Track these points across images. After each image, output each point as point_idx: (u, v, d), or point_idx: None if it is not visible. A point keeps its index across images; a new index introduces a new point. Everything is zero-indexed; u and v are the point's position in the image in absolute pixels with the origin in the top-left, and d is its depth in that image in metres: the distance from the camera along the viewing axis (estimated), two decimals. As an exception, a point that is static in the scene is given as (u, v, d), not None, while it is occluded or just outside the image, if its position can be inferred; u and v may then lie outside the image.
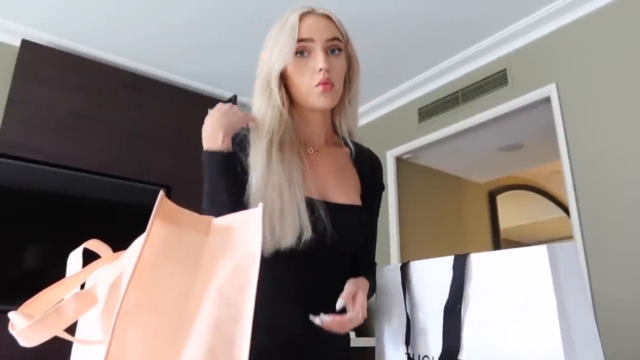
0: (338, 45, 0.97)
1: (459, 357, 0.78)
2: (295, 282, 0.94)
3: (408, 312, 0.90)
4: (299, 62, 0.96)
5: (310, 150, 1.03)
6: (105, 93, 3.00)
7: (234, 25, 2.77)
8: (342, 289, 0.92)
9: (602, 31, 2.42)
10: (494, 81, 2.90)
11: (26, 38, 2.79)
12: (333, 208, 0.95)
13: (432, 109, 3.26)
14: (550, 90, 2.59)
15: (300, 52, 0.96)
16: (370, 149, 1.16)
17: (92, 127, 2.89)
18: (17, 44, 2.78)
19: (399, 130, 3.47)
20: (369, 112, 3.64)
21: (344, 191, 1.02)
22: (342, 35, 1.00)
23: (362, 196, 1.06)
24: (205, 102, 3.44)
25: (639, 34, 2.28)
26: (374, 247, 1.12)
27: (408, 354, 0.88)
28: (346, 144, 1.09)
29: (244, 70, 3.25)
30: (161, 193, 0.52)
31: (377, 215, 1.13)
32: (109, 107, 2.99)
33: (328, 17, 0.99)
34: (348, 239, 0.98)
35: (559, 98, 2.55)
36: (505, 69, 2.85)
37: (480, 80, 2.97)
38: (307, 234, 0.88)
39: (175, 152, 3.19)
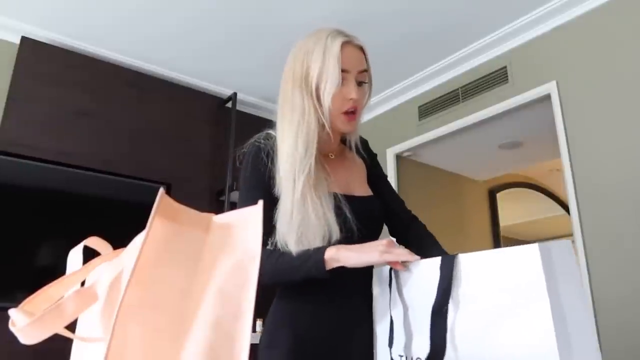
0: (366, 78, 1.09)
1: (445, 359, 0.78)
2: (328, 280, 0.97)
3: (392, 313, 0.90)
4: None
5: (331, 156, 1.16)
6: (106, 91, 2.99)
7: (234, 25, 2.76)
8: (368, 277, 1.01)
9: (603, 29, 2.42)
10: (494, 79, 2.90)
11: (26, 35, 2.78)
12: (356, 201, 1.07)
13: (432, 107, 3.26)
14: (550, 88, 2.59)
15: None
16: (369, 145, 1.31)
17: (92, 125, 2.89)
18: (17, 41, 2.78)
19: (399, 128, 3.47)
20: (369, 110, 3.63)
21: (361, 186, 1.16)
22: (367, 65, 1.10)
23: (370, 177, 1.22)
24: (206, 100, 3.44)
25: (638, 32, 2.28)
26: (402, 201, 1.26)
27: (399, 356, 0.88)
28: (352, 150, 1.23)
29: (244, 69, 3.24)
30: (161, 190, 0.52)
31: (386, 177, 1.30)
32: (109, 105, 2.99)
33: (361, 49, 1.09)
34: (372, 227, 1.09)
35: (559, 96, 2.54)
36: (505, 67, 2.85)
37: (481, 78, 2.97)
38: (335, 235, 0.97)
39: (176, 150, 3.20)
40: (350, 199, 1.06)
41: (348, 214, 1.02)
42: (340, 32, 1.08)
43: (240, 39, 2.91)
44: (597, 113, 2.38)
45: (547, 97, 2.62)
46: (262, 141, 1.08)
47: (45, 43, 2.84)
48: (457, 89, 3.10)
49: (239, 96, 3.50)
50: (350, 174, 1.16)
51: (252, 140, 1.10)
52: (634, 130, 2.23)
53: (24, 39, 2.76)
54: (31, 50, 2.77)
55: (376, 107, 3.62)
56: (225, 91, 3.50)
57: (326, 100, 1.03)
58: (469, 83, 3.03)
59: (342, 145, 1.22)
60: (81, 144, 2.82)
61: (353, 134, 1.19)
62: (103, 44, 2.98)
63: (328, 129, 1.06)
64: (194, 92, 3.40)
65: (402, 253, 0.92)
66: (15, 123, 2.64)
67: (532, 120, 3.04)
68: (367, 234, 1.03)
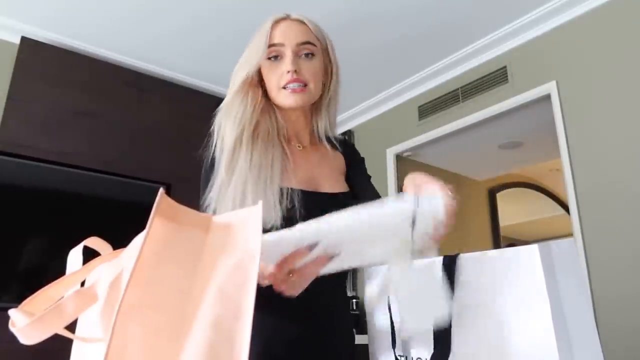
0: (311, 50, 1.01)
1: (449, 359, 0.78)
2: None
3: (392, 314, 0.90)
4: (270, 66, 1.01)
5: (299, 147, 1.07)
6: (106, 91, 2.99)
7: (234, 24, 2.76)
8: (342, 277, 0.95)
9: (602, 29, 2.42)
10: (494, 79, 2.89)
11: (26, 35, 2.78)
12: (317, 196, 0.97)
13: (432, 107, 3.26)
14: (550, 87, 2.59)
15: (273, 57, 1.01)
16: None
17: (92, 125, 2.89)
18: (17, 41, 2.77)
19: (399, 128, 3.47)
20: (369, 110, 3.63)
21: (332, 181, 1.05)
22: (319, 41, 1.04)
23: (351, 176, 1.11)
24: (206, 100, 3.44)
25: (638, 32, 2.28)
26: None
27: (399, 356, 0.88)
28: (322, 141, 1.13)
29: (244, 68, 3.24)
30: (161, 190, 0.52)
31: (370, 178, 1.17)
32: (109, 105, 2.99)
33: (302, 22, 1.03)
34: None
35: (559, 96, 2.54)
36: (505, 67, 2.85)
37: (481, 78, 2.97)
38: (275, 222, 0.86)
39: (176, 150, 3.19)
40: (310, 195, 0.96)
41: (299, 209, 0.90)
42: (279, 13, 1.05)
43: (240, 38, 2.89)
44: (597, 113, 2.38)
45: (547, 97, 2.62)
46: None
47: (45, 43, 2.83)
48: (457, 89, 3.10)
49: (239, 96, 3.50)
50: (320, 169, 1.05)
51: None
52: (634, 130, 2.23)
53: (24, 39, 2.76)
54: (31, 50, 2.77)
55: (376, 107, 3.61)
56: (225, 91, 3.48)
57: (248, 73, 1.00)
58: (469, 83, 3.03)
59: (319, 144, 1.13)
60: (81, 144, 2.82)
61: (320, 125, 1.09)
62: (103, 44, 2.98)
63: (254, 101, 1.01)
64: (194, 92, 3.40)
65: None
66: (15, 123, 2.63)
67: (532, 120, 3.04)
68: None
